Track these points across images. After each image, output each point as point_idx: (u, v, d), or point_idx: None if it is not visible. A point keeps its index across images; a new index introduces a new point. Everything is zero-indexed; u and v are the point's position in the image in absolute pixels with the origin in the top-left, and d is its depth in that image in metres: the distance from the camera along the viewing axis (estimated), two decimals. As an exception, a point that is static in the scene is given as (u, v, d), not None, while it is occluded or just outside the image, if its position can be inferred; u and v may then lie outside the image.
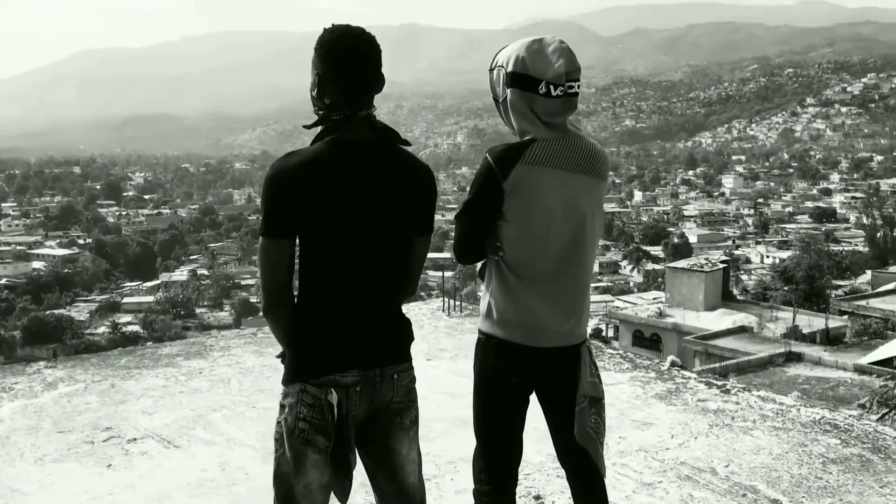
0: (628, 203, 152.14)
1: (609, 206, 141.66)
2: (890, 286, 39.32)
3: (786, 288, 51.39)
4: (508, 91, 2.45)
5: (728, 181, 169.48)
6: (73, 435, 4.24)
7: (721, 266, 39.98)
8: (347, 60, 2.09)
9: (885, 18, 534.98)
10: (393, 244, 2.18)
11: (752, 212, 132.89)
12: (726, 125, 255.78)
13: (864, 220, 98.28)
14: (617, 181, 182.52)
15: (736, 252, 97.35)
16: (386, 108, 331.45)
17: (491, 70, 2.56)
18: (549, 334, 2.51)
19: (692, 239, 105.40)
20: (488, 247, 2.51)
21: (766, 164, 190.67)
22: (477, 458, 2.65)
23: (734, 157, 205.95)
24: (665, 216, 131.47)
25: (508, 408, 2.58)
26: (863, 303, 34.94)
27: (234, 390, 4.96)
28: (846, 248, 79.75)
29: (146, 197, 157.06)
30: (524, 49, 2.44)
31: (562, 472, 2.74)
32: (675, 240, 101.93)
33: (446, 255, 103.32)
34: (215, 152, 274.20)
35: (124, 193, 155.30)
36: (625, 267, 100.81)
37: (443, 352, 5.74)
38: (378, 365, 2.18)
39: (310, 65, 2.17)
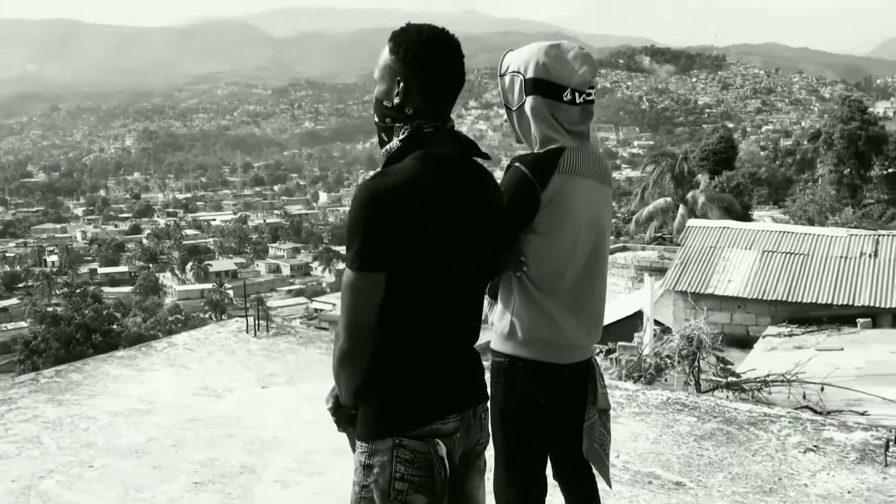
0: (314, 205, 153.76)
1: (295, 209, 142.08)
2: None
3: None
4: (529, 98, 2.33)
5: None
6: None
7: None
8: (442, 65, 1.84)
9: (527, 30, 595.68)
10: (483, 269, 1.96)
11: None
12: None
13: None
14: (301, 183, 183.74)
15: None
16: (40, 111, 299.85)
17: (502, 76, 2.41)
18: (574, 350, 2.43)
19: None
20: (510, 263, 2.35)
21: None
22: (504, 489, 2.48)
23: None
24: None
25: (538, 432, 2.45)
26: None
27: (54, 449, 4.17)
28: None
29: None
30: (543, 54, 2.33)
31: None
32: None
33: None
34: None
35: None
36: (316, 268, 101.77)
37: (273, 377, 5.32)
38: (471, 405, 1.95)
39: (380, 70, 1.88)
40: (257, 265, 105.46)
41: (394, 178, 1.78)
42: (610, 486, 2.64)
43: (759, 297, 14.58)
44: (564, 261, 2.35)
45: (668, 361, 9.79)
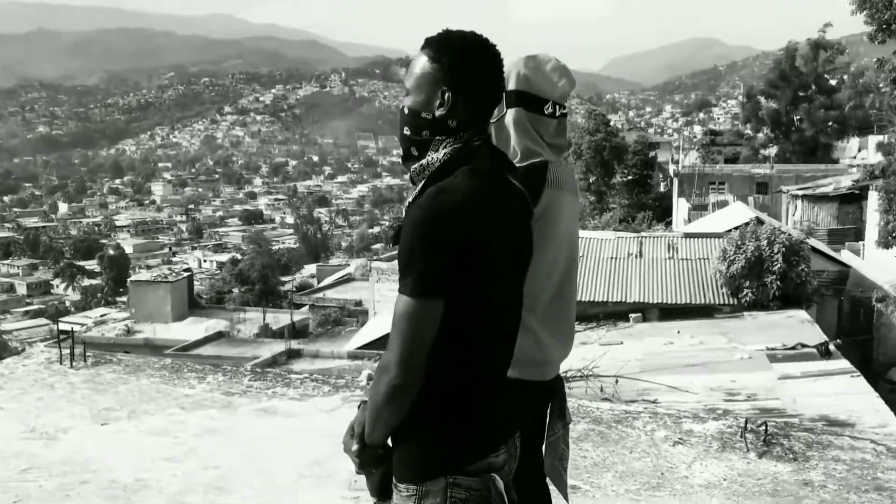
0: (53, 216, 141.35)
1: (31, 221, 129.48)
2: (335, 277, 43.95)
3: (242, 289, 53.57)
4: (511, 111, 2.26)
5: (157, 188, 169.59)
6: None
7: (185, 275, 40.06)
8: (489, 74, 1.72)
9: (285, 36, 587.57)
10: (522, 289, 1.86)
11: (184, 218, 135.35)
12: (149, 132, 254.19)
13: (293, 220, 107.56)
14: (37, 193, 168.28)
15: (174, 259, 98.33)
16: None
17: None
18: (552, 365, 2.40)
19: (128, 249, 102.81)
20: None
21: (193, 170, 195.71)
22: None
23: (161, 165, 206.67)
24: (96, 228, 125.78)
25: (529, 457, 2.37)
26: (319, 295, 38.33)
27: None
28: (281, 246, 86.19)
29: None
30: (523, 66, 2.27)
31: None
32: (111, 252, 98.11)
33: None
34: None
35: None
36: (58, 286, 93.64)
37: (111, 412, 4.77)
38: (513, 433, 1.84)
39: (416, 78, 1.72)
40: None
41: (453, 195, 1.64)
42: (567, 501, 2.63)
43: (542, 298, 15.44)
44: (545, 276, 2.31)
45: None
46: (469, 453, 1.72)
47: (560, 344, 2.40)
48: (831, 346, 11.48)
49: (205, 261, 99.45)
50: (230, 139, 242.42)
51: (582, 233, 18.73)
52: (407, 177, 1.81)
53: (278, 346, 28.42)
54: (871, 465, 4.02)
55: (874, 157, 29.07)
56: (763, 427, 4.40)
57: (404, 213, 1.75)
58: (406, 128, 1.77)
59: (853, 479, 3.86)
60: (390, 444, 1.78)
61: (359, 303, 34.57)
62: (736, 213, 22.69)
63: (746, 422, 4.49)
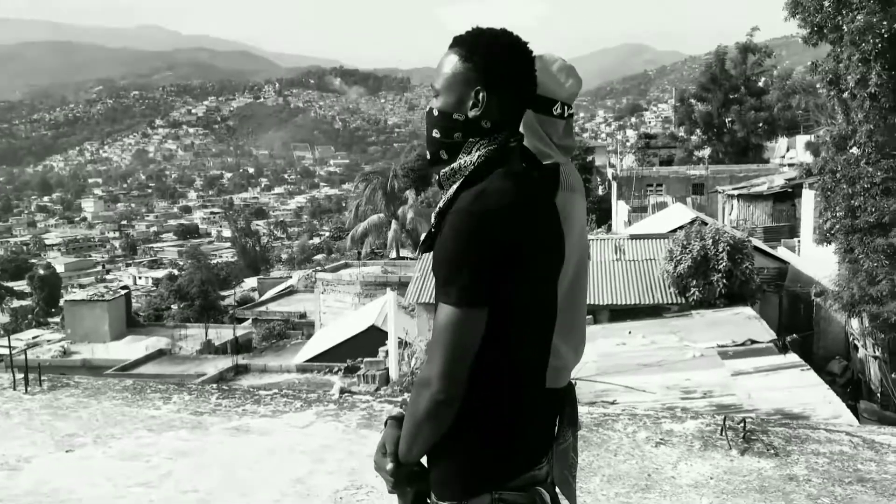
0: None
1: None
2: (277, 289, 43.34)
3: (182, 305, 52.48)
4: None
5: (88, 205, 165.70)
6: None
7: (122, 293, 39.10)
8: (523, 73, 1.66)
9: (217, 47, 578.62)
10: (557, 291, 1.81)
11: (117, 234, 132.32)
12: (78, 148, 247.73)
13: (230, 233, 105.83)
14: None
15: (108, 276, 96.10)
16: None
17: None
18: (566, 372, 2.33)
19: (59, 268, 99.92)
20: None
21: (125, 185, 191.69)
22: None
23: (91, 181, 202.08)
24: (25, 247, 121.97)
25: None
26: (262, 308, 37.73)
27: None
28: (220, 260, 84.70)
29: None
30: None
31: None
32: (41, 271, 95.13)
33: None
34: None
35: None
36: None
37: (75, 438, 4.56)
38: (552, 444, 1.79)
39: (446, 79, 1.65)
40: None
41: (494, 199, 1.57)
42: (578, 509, 2.58)
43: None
44: (559, 281, 2.26)
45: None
46: (513, 467, 1.66)
47: (573, 350, 2.35)
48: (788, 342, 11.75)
49: (140, 277, 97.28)
50: (162, 153, 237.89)
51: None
52: (434, 180, 1.75)
53: (222, 362, 27.90)
54: (851, 457, 4.08)
55: (803, 156, 30.01)
56: (742, 424, 4.43)
57: (434, 219, 1.68)
58: (435, 130, 1.70)
59: (835, 472, 3.91)
60: (424, 460, 1.71)
61: (303, 315, 34.15)
62: (676, 213, 23.12)
63: (725, 419, 4.52)
